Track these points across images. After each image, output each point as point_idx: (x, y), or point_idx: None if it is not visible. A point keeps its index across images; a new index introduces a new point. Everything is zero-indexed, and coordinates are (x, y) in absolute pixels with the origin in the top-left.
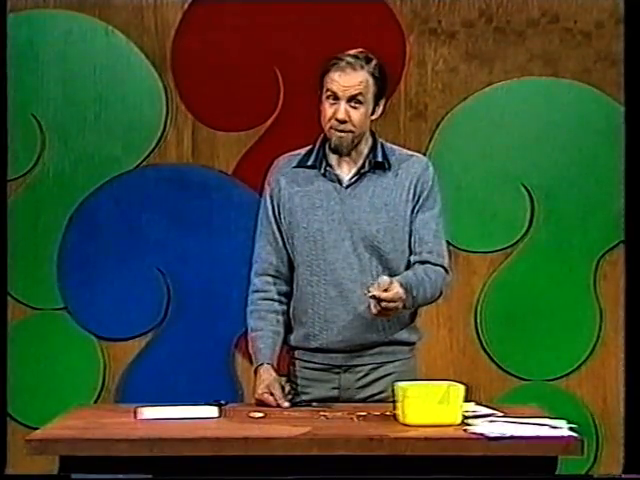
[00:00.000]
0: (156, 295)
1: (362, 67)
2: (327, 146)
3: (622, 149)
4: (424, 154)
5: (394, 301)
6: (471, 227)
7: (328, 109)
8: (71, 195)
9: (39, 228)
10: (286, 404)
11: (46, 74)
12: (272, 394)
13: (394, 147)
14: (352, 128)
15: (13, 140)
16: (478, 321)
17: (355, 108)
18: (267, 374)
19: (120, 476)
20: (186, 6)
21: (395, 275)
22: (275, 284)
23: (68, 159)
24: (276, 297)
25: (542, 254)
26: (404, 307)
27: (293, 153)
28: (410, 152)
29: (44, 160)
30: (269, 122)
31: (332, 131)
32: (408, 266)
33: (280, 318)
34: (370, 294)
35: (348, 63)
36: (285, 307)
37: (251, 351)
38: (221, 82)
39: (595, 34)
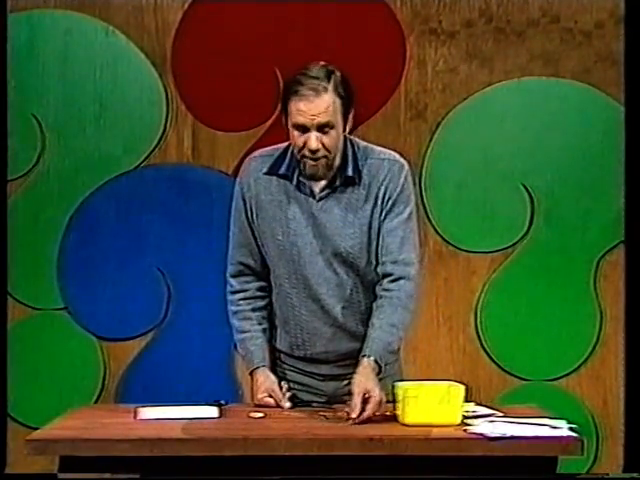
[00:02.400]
0: (156, 295)
1: (325, 89)
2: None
3: (622, 149)
4: (424, 154)
5: (381, 402)
6: (471, 227)
7: (297, 138)
8: (71, 195)
9: (39, 228)
10: (287, 404)
11: (46, 74)
12: (272, 397)
13: (368, 149)
14: (326, 154)
15: (13, 140)
16: (478, 321)
17: (326, 133)
18: (264, 377)
19: (107, 475)
20: (186, 6)
21: (369, 288)
22: (252, 282)
23: (68, 159)
24: (255, 294)
25: (542, 254)
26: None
27: (264, 153)
28: (384, 154)
29: (44, 160)
30: (269, 122)
31: (305, 160)
32: (377, 278)
33: (264, 314)
34: (356, 420)
35: (311, 88)
36: (266, 301)
37: (242, 353)
38: (221, 82)
39: (595, 34)
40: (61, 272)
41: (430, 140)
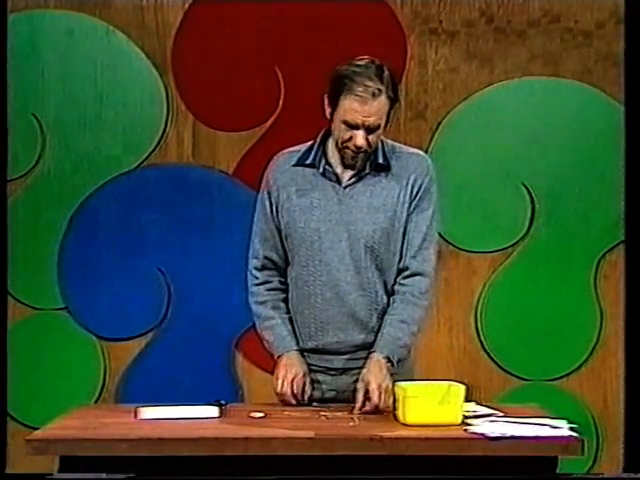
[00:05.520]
0: (156, 295)
1: (380, 92)
2: (334, 146)
3: (622, 149)
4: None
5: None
6: (471, 227)
7: (344, 132)
8: (71, 195)
9: (39, 228)
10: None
11: (46, 74)
12: (294, 393)
13: (394, 144)
14: (368, 149)
15: (13, 140)
16: (478, 321)
17: (372, 133)
18: (297, 364)
19: (103, 476)
20: (187, 6)
21: (387, 279)
22: (275, 276)
23: (68, 159)
24: (278, 286)
25: (542, 254)
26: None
27: (292, 150)
28: (411, 149)
29: (44, 160)
30: (269, 122)
31: (347, 151)
32: (398, 270)
33: (287, 306)
34: (357, 413)
35: (368, 91)
36: (286, 295)
37: (269, 339)
38: (221, 82)
39: (596, 34)
40: (61, 272)
41: (430, 140)
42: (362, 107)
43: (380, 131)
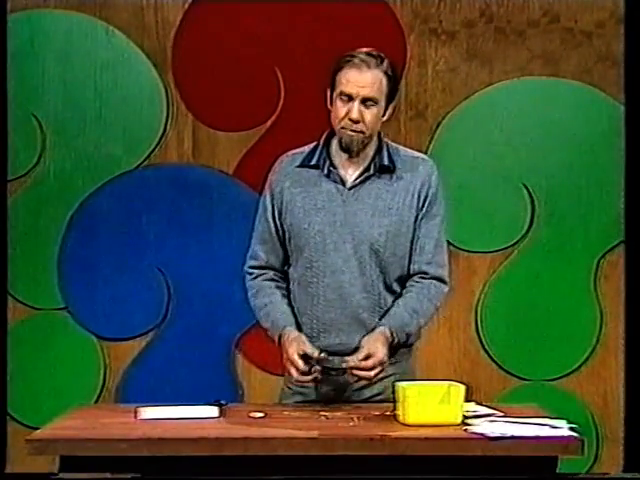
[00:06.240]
0: (156, 295)
1: (377, 65)
2: (337, 145)
3: (622, 149)
4: (424, 154)
5: (374, 368)
6: (471, 227)
7: (340, 108)
8: (71, 195)
9: (39, 228)
10: (318, 354)
11: (46, 74)
12: (304, 373)
13: (399, 147)
14: (364, 129)
15: (14, 140)
16: (478, 321)
17: (368, 108)
18: (295, 335)
19: (108, 475)
20: (187, 6)
21: (390, 281)
22: (271, 271)
23: (69, 159)
24: (275, 277)
25: (542, 254)
26: (398, 344)
27: (296, 151)
28: (415, 153)
29: (44, 160)
30: (269, 122)
31: (344, 130)
32: (408, 274)
33: (285, 292)
34: (347, 365)
35: (363, 61)
36: (285, 283)
37: (266, 325)
38: (221, 82)
39: (595, 34)
40: (61, 272)
41: (430, 140)
42: (356, 76)
43: (376, 111)
